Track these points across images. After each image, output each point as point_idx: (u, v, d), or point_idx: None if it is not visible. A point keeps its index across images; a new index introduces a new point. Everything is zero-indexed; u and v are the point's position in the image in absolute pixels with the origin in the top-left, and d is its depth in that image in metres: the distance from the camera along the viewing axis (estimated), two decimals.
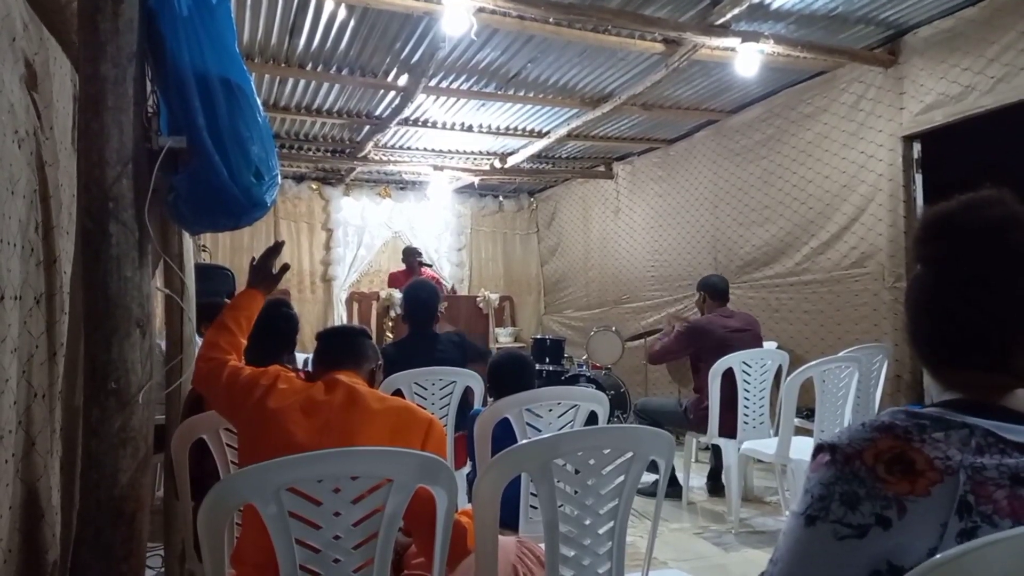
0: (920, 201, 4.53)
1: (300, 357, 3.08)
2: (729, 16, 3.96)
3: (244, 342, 2.01)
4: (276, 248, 2.23)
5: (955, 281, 0.93)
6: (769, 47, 4.22)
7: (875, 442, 0.87)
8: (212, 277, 4.73)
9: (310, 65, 4.81)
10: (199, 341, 3.45)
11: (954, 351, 0.95)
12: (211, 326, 2.02)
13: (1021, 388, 0.92)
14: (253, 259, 2.21)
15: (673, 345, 4.25)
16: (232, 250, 7.87)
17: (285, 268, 2.22)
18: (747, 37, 4.13)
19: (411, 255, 6.91)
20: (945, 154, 4.50)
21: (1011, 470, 0.82)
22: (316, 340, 2.02)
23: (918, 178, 4.54)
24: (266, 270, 2.18)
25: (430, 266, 7.25)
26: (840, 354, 3.74)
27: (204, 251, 6.52)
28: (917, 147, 4.53)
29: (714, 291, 4.36)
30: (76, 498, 1.76)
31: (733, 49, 4.25)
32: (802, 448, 3.51)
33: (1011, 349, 0.91)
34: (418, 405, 2.16)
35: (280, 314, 2.44)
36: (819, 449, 0.92)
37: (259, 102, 1.95)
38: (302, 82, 5.13)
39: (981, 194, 0.95)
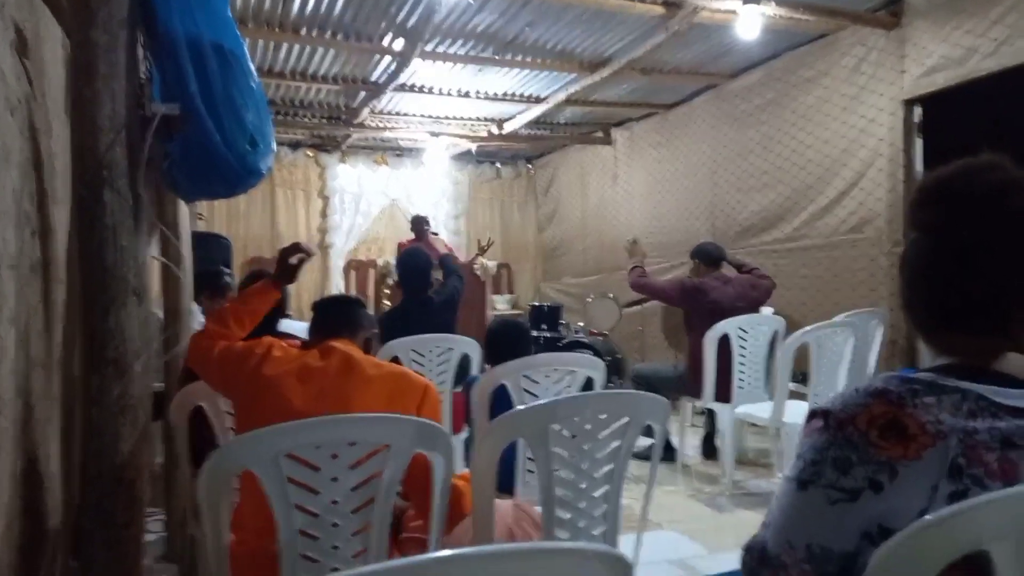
0: (920, 166, 4.50)
1: (301, 325, 3.07)
2: None
3: (241, 337, 1.96)
4: (296, 247, 2.18)
5: (954, 246, 0.93)
6: (771, 9, 4.15)
7: (868, 407, 0.88)
8: (208, 245, 4.72)
9: (304, 30, 4.74)
10: (196, 309, 3.46)
11: (951, 316, 0.95)
12: (213, 315, 2.00)
13: (1013, 352, 0.92)
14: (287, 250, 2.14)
15: (665, 290, 4.28)
16: (228, 218, 7.85)
17: (302, 261, 2.14)
18: None
19: (420, 223, 6.85)
20: (946, 118, 4.46)
21: (1002, 433, 0.83)
22: (312, 310, 2.02)
23: (918, 142, 4.51)
24: (284, 262, 2.11)
25: (436, 234, 7.20)
26: (836, 319, 3.76)
27: (200, 219, 6.49)
28: (918, 111, 4.49)
29: (708, 257, 4.37)
30: (76, 466, 1.78)
31: (734, 11, 4.18)
32: (797, 412, 3.54)
33: (1010, 314, 0.92)
34: (415, 372, 2.17)
35: None
36: (813, 415, 0.93)
37: (253, 68, 1.93)
38: (296, 47, 5.06)
39: (979, 159, 0.94)
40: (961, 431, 0.83)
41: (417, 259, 3.75)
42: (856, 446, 0.86)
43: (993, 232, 0.91)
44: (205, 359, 1.86)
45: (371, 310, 6.15)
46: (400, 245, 6.99)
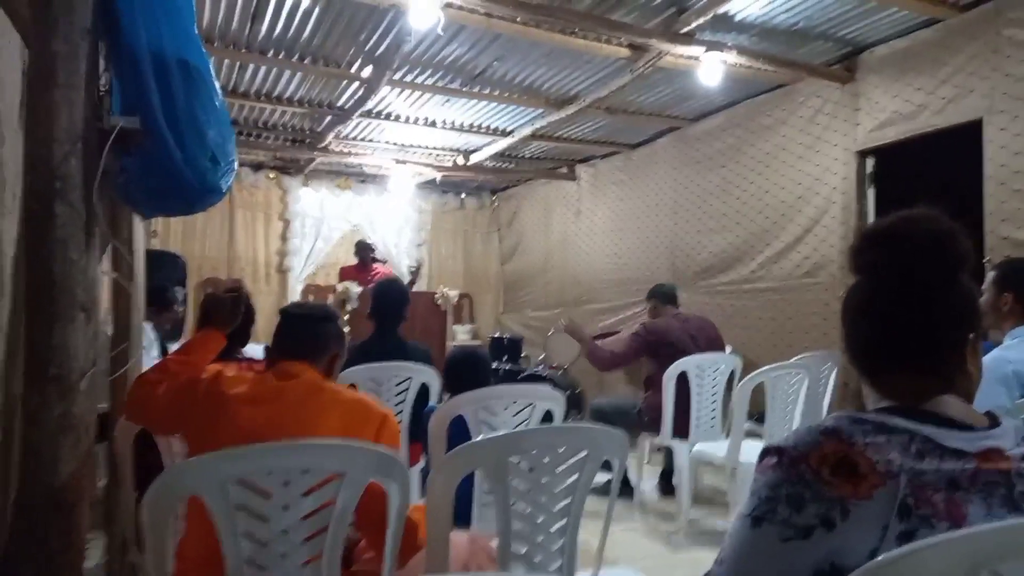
0: (872, 215, 4.66)
1: (257, 348, 2.93)
2: (694, 25, 4.01)
3: None
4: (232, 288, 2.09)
5: (891, 287, 0.98)
6: (732, 57, 4.29)
7: (821, 445, 0.89)
8: (162, 263, 4.62)
9: (272, 52, 4.72)
10: (147, 328, 3.36)
11: (890, 355, 0.99)
12: (155, 368, 1.87)
13: (949, 394, 0.95)
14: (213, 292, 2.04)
15: (627, 350, 4.24)
16: (184, 236, 7.69)
17: (236, 301, 2.02)
18: (711, 46, 4.19)
19: (364, 250, 6.79)
20: (897, 170, 4.63)
21: (948, 475, 0.86)
22: (279, 315, 1.90)
23: (870, 192, 4.67)
24: (222, 306, 2.02)
25: (384, 262, 7.15)
26: (791, 361, 3.82)
27: (155, 236, 6.36)
28: (871, 162, 4.66)
29: (665, 297, 4.42)
30: (11, 486, 1.69)
31: (697, 58, 4.31)
32: (752, 451, 3.57)
33: (942, 353, 0.96)
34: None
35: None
36: (766, 452, 0.94)
37: (217, 86, 1.91)
38: (263, 68, 5.03)
39: (916, 211, 1.00)
40: (910, 471, 0.85)
41: (393, 292, 3.50)
42: (809, 484, 0.87)
43: (927, 275, 0.96)
44: (148, 402, 1.75)
45: None
46: (343, 270, 6.91)
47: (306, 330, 1.85)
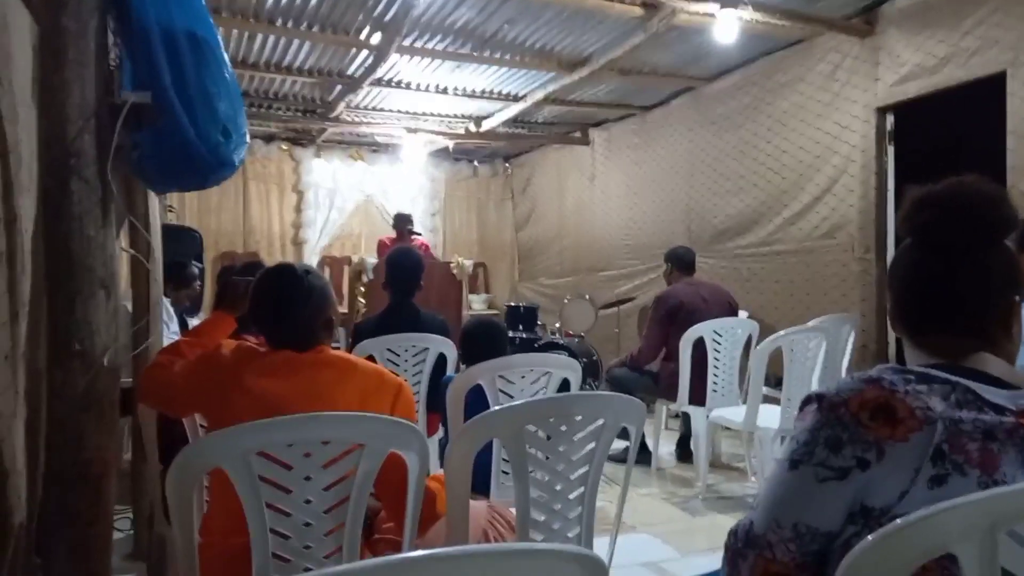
0: (891, 173, 4.57)
1: None
2: None
3: None
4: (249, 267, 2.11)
5: (938, 249, 1.00)
6: (748, 13, 4.18)
7: (861, 392, 0.92)
8: (179, 238, 4.66)
9: (280, 21, 4.68)
10: (166, 302, 3.39)
11: (935, 316, 1.01)
12: (166, 348, 1.86)
13: (990, 353, 0.97)
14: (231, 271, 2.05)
15: (655, 331, 4.22)
16: (200, 211, 7.73)
17: (248, 285, 1.93)
18: (726, 2, 4.09)
19: (403, 222, 6.77)
20: (916, 126, 4.53)
21: (985, 426, 0.88)
22: (251, 308, 1.77)
23: (890, 150, 4.58)
24: (233, 289, 2.02)
25: (419, 234, 7.14)
26: (809, 324, 3.80)
27: (171, 211, 6.39)
28: (890, 119, 4.56)
29: (681, 262, 4.39)
30: (40, 461, 1.73)
31: (712, 15, 4.21)
32: (770, 416, 3.57)
33: (988, 316, 0.99)
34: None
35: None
36: (807, 400, 0.97)
37: (227, 58, 1.89)
38: (272, 38, 4.99)
39: (965, 177, 1.03)
40: (948, 419, 0.87)
41: (407, 260, 3.45)
42: (847, 426, 0.90)
43: (973, 239, 0.98)
44: (166, 381, 1.74)
45: (344, 308, 5.87)
46: (380, 243, 6.91)
47: (293, 324, 1.71)
